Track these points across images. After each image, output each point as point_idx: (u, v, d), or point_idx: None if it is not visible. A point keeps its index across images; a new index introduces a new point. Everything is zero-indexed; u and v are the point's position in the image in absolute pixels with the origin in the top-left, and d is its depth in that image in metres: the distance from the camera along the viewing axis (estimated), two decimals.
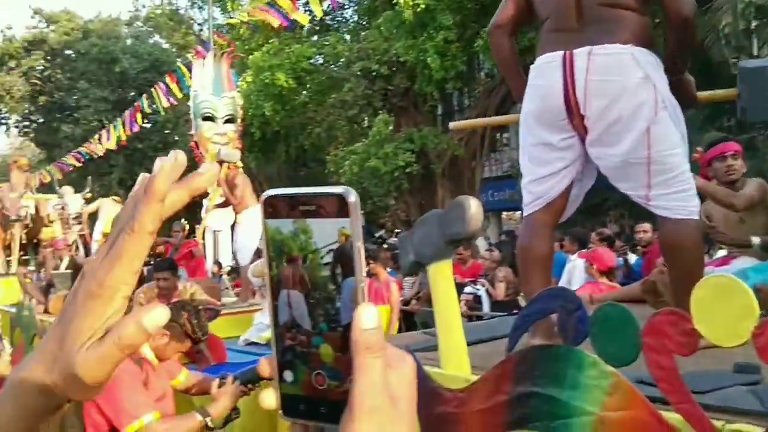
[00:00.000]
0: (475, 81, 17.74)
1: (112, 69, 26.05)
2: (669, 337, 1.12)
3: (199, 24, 27.43)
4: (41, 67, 28.38)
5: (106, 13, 31.51)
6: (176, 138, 23.91)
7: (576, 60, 2.14)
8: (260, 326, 5.05)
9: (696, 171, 2.44)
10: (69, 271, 8.17)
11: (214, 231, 9.92)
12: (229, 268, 9.64)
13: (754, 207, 3.45)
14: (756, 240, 3.37)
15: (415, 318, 7.82)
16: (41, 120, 30.50)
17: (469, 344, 1.65)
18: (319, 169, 22.33)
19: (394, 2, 14.44)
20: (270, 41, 17.79)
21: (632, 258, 7.38)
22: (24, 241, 12.46)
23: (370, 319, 0.44)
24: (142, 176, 0.53)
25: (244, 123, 12.06)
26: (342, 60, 16.65)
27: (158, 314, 0.50)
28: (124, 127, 15.55)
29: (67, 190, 12.71)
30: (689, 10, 2.17)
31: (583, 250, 6.43)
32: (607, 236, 7.02)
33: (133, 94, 24.55)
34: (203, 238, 10.14)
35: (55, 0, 35.83)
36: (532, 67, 2.32)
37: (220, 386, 2.84)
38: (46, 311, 7.07)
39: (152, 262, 6.65)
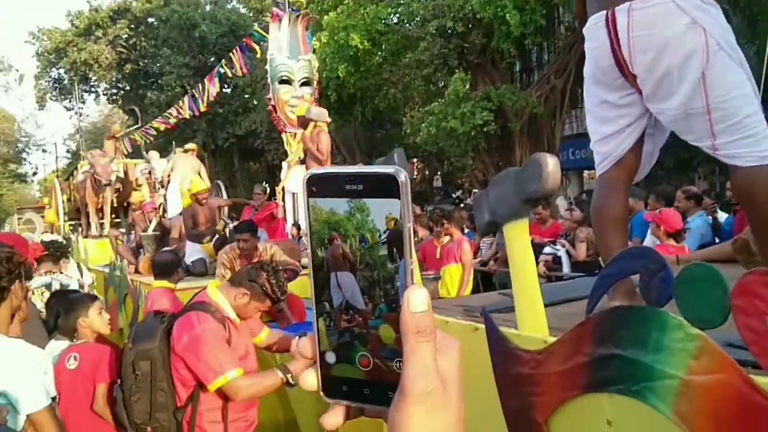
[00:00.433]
0: (554, 35, 17.12)
1: (192, 35, 26.67)
2: (761, 298, 1.06)
3: None
4: (126, 36, 29.38)
5: None
6: (255, 102, 24.34)
7: (618, 18, 2.07)
8: None
9: None
10: (157, 233, 8.52)
11: (293, 193, 10.10)
12: None
13: None
14: None
15: (493, 279, 7.76)
16: (127, 87, 31.70)
17: (546, 305, 1.62)
18: (395, 131, 22.31)
19: None
20: (344, 2, 17.74)
21: (722, 216, 7.04)
22: (115, 205, 13.11)
23: (420, 302, 0.43)
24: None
25: (320, 86, 12.13)
26: (417, 18, 16.41)
27: None
28: (205, 94, 15.94)
29: (154, 155, 13.22)
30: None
31: (656, 211, 6.17)
32: (694, 194, 6.70)
33: (212, 59, 25.09)
34: (283, 200, 10.35)
35: None
36: (583, 30, 2.24)
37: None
38: (136, 271, 7.42)
39: (234, 224, 6.86)
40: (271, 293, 3.00)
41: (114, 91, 32.84)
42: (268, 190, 10.99)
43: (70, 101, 33.64)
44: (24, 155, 47.50)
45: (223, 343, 2.76)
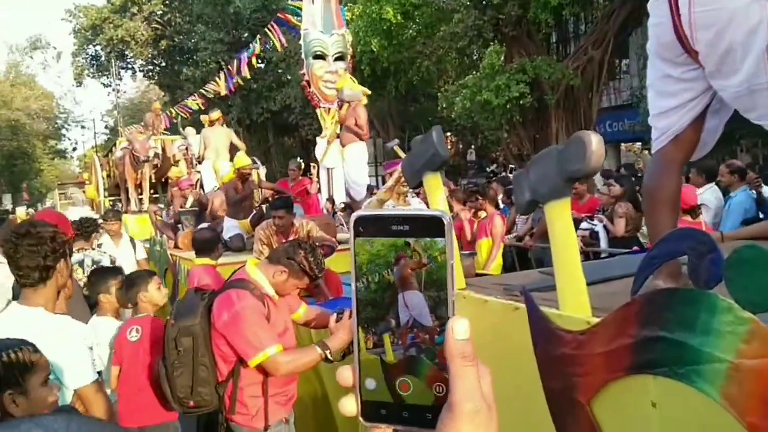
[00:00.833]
0: (592, 5, 16.72)
1: (226, 10, 26.71)
2: None
3: None
4: (161, 12, 29.57)
5: None
6: (289, 77, 24.36)
7: None
8: None
9: None
10: (195, 208, 8.64)
11: (328, 168, 10.14)
12: (342, 205, 9.88)
13: None
14: None
15: (529, 254, 7.71)
16: (163, 63, 31.99)
17: (588, 284, 1.60)
18: (429, 105, 22.15)
19: None
20: None
21: (767, 191, 6.85)
22: (153, 180, 13.32)
23: (463, 330, 0.48)
24: None
25: (354, 60, 12.08)
26: None
27: None
28: (239, 70, 16.01)
29: (190, 131, 13.36)
30: None
31: (710, 184, 6.04)
32: (738, 168, 6.53)
33: (246, 35, 25.13)
34: (318, 176, 10.39)
35: None
36: (648, 5, 2.16)
37: (337, 321, 2.94)
38: (176, 246, 7.54)
39: (270, 200, 6.91)
40: (309, 270, 3.03)
41: (150, 67, 33.19)
42: (302, 165, 11.04)
43: (107, 78, 34.13)
44: (63, 131, 48.50)
45: (262, 319, 2.80)
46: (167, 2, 29.47)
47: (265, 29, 15.26)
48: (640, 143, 20.46)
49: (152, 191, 13.33)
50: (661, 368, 1.18)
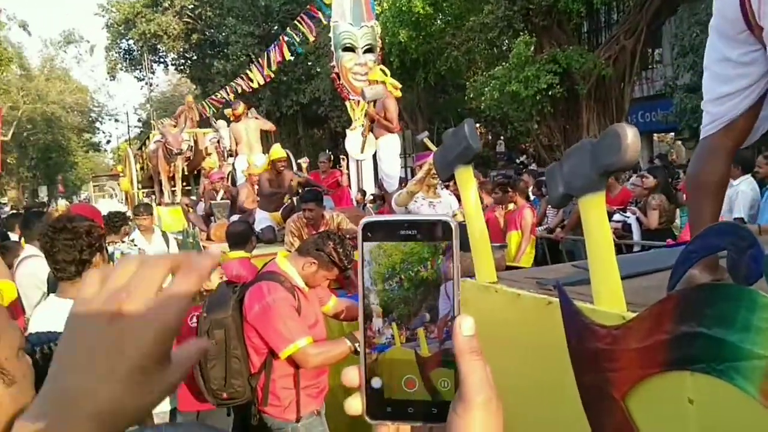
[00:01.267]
0: None
1: (256, 3, 26.86)
2: None
3: None
4: (192, 6, 29.82)
5: None
6: (318, 70, 24.42)
7: None
8: None
9: None
10: (226, 201, 8.72)
11: (357, 160, 10.15)
12: (372, 197, 9.89)
13: None
14: None
15: (560, 247, 7.65)
16: (195, 57, 32.30)
17: (622, 278, 1.58)
18: (458, 96, 22.03)
19: None
20: None
21: None
22: (186, 173, 13.47)
23: (470, 327, 0.52)
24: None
25: (383, 51, 12.06)
26: None
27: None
28: (270, 63, 16.11)
29: (222, 124, 13.47)
30: None
31: (746, 175, 5.91)
32: None
33: (276, 27, 25.23)
34: (347, 168, 10.42)
35: None
36: None
37: None
38: (208, 238, 7.62)
39: (299, 193, 6.95)
40: (338, 262, 3.04)
41: (182, 61, 33.54)
42: (332, 157, 11.06)
43: (140, 71, 34.59)
44: (97, 125, 49.30)
45: (292, 311, 2.82)
46: None
47: (295, 22, 15.31)
48: (673, 134, 20.10)
49: (185, 183, 13.49)
50: (699, 365, 1.16)
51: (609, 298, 1.53)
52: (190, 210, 9.53)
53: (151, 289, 0.53)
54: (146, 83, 34.80)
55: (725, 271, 1.28)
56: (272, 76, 17.34)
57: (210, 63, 29.56)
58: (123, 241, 5.86)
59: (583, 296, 1.63)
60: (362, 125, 9.50)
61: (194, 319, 3.42)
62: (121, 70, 35.04)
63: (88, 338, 0.52)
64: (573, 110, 15.93)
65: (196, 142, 13.86)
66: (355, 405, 0.57)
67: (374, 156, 9.50)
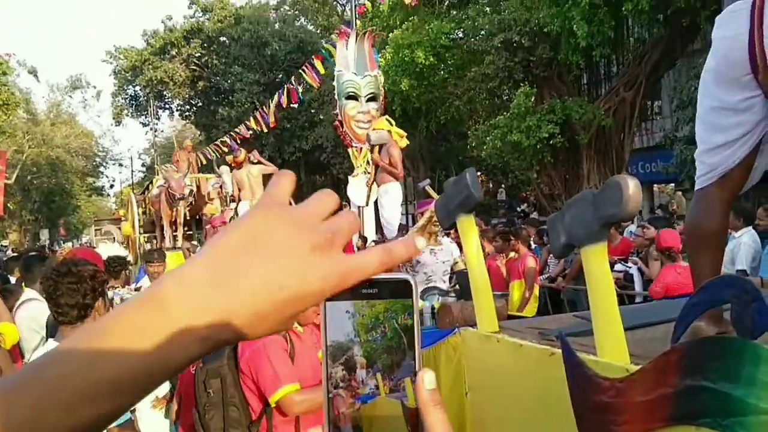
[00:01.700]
0: (623, 47, 16.76)
1: (262, 52, 27.37)
2: None
3: (342, 5, 28.10)
4: (199, 54, 30.38)
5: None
6: (321, 117, 24.72)
7: (767, 6, 1.86)
8: None
9: None
10: None
11: (358, 206, 10.19)
12: (373, 243, 9.89)
13: None
14: None
15: (561, 296, 7.61)
16: (200, 104, 32.75)
17: (625, 329, 1.57)
18: (459, 144, 22.24)
19: None
20: (409, 19, 17.86)
21: None
22: (187, 218, 13.50)
23: (431, 381, 0.53)
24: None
25: (386, 100, 12.23)
26: (482, 33, 16.37)
27: (423, 241, 0.57)
28: (275, 109, 16.33)
29: (224, 169, 13.57)
30: None
31: (747, 227, 5.92)
32: None
33: (281, 76, 25.65)
34: None
35: None
36: (716, 18, 2.05)
37: None
38: None
39: None
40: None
41: (187, 107, 33.98)
42: None
43: (145, 117, 35.01)
44: (101, 169, 49.62)
45: (283, 355, 2.79)
46: (206, 45, 30.29)
47: (299, 70, 15.57)
48: (673, 185, 20.21)
49: (186, 228, 13.50)
50: (704, 419, 1.15)
51: (612, 350, 1.52)
52: (192, 255, 9.51)
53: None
54: (151, 129, 35.20)
55: (729, 323, 1.28)
56: (275, 124, 17.55)
57: (215, 110, 29.95)
58: (123, 286, 5.82)
59: (587, 347, 1.62)
60: (365, 172, 9.57)
61: (193, 368, 3.39)
62: (127, 115, 35.48)
63: (279, 242, 0.49)
64: (574, 160, 16.06)
65: (198, 187, 13.94)
66: None
67: (375, 203, 9.55)
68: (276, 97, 16.19)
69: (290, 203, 0.57)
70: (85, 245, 28.56)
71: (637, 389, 1.31)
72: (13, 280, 6.23)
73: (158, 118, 36.42)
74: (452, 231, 5.70)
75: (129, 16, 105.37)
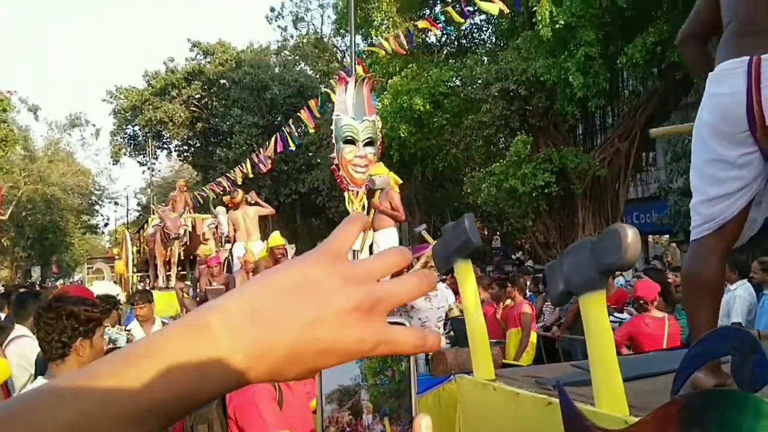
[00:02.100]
0: (618, 99, 17.04)
1: (262, 96, 27.67)
2: None
3: (341, 51, 28.57)
4: (199, 96, 30.70)
5: (257, 43, 33.45)
6: (318, 160, 24.87)
7: (764, 66, 1.89)
8: None
9: None
10: (221, 287, 8.67)
11: (354, 251, 10.16)
12: None
13: None
14: None
15: (556, 345, 7.55)
16: (198, 144, 32.94)
17: (624, 380, 1.56)
18: (455, 190, 22.36)
19: (533, 21, 14.27)
20: (408, 66, 18.15)
21: None
22: (182, 258, 13.43)
23: (428, 425, 0.55)
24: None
25: (383, 145, 12.33)
26: (479, 81, 16.64)
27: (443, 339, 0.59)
28: (274, 152, 16.42)
29: (220, 210, 13.56)
30: None
31: (743, 280, 5.92)
32: None
33: (280, 119, 25.89)
34: None
35: (210, 29, 38.59)
36: (710, 74, 2.08)
37: None
38: None
39: None
40: None
41: (185, 147, 34.15)
42: None
43: (143, 156, 35.16)
44: (97, 207, 49.53)
45: (271, 403, 2.74)
46: (206, 87, 30.62)
47: (297, 114, 15.74)
48: (667, 236, 20.30)
49: (180, 268, 13.43)
50: None
51: (611, 401, 1.50)
52: (185, 295, 9.45)
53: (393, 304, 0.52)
54: (149, 168, 35.31)
55: (729, 375, 1.26)
56: (271, 167, 17.64)
57: (213, 150, 30.10)
58: (113, 326, 5.73)
59: (584, 398, 1.60)
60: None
61: None
62: (125, 154, 35.61)
63: (311, 301, 0.49)
64: (569, 209, 16.15)
65: (194, 227, 13.92)
66: None
67: (371, 247, 9.53)
68: (272, 142, 16.32)
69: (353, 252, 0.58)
70: (76, 283, 28.36)
71: None
72: (2, 316, 6.16)
73: (156, 158, 36.58)
74: (448, 276, 5.69)
75: (131, 56, 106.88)
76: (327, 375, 0.53)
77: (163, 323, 6.66)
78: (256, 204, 11.49)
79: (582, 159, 15.18)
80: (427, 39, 19.28)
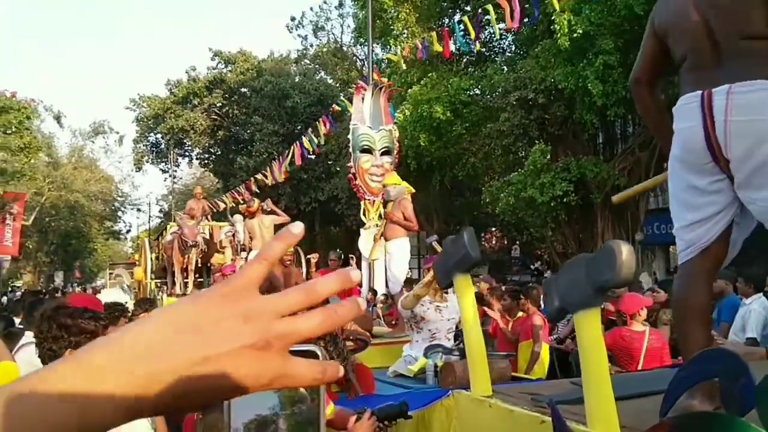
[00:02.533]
0: None
1: (283, 104, 27.84)
2: None
3: (361, 60, 28.70)
4: (220, 104, 30.97)
5: (278, 53, 33.69)
6: (338, 168, 24.94)
7: (715, 100, 1.95)
8: (408, 359, 5.05)
9: None
10: None
11: (371, 260, 10.15)
12: (383, 296, 9.82)
13: None
14: None
15: (569, 358, 7.45)
16: (219, 152, 33.21)
17: (618, 398, 1.53)
18: (474, 199, 22.30)
19: (552, 29, 14.21)
20: (428, 75, 18.16)
21: None
22: (199, 265, 13.53)
23: None
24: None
25: (400, 154, 12.33)
26: (498, 90, 16.59)
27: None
28: (293, 159, 16.52)
29: (238, 218, 13.64)
30: None
31: (758, 294, 5.81)
32: None
33: (300, 127, 26.03)
34: (359, 267, 10.40)
35: (232, 39, 38.91)
36: (673, 109, 2.15)
37: (357, 420, 2.83)
38: None
39: None
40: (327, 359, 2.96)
41: (206, 155, 34.45)
42: (342, 256, 11.09)
43: (165, 164, 35.51)
44: (119, 213, 50.08)
45: None
46: (227, 95, 30.89)
47: (316, 122, 15.82)
48: None
49: (197, 275, 13.52)
50: None
51: (603, 421, 1.47)
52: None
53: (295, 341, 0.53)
54: (170, 175, 35.64)
55: (718, 398, 1.23)
56: (288, 175, 17.73)
57: (233, 158, 30.32)
58: None
59: (578, 416, 1.57)
60: (376, 225, 9.59)
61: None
62: (148, 162, 35.98)
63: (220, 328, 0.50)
64: (588, 219, 16.01)
65: (211, 234, 14.01)
66: None
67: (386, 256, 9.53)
68: (290, 153, 16.42)
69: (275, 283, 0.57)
70: (99, 288, 28.68)
71: None
72: (17, 321, 6.23)
73: (177, 165, 36.92)
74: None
75: (154, 66, 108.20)
76: (243, 404, 0.53)
77: None
78: (272, 212, 11.54)
79: (601, 168, 15.05)
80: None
